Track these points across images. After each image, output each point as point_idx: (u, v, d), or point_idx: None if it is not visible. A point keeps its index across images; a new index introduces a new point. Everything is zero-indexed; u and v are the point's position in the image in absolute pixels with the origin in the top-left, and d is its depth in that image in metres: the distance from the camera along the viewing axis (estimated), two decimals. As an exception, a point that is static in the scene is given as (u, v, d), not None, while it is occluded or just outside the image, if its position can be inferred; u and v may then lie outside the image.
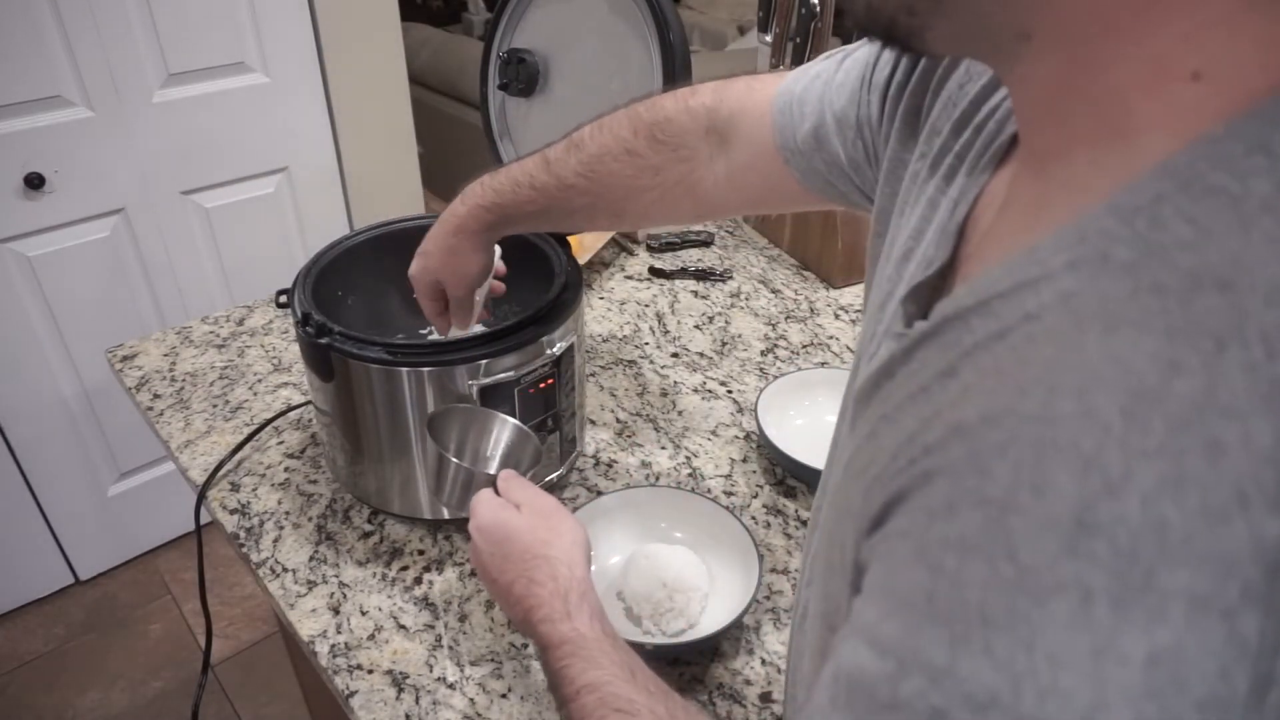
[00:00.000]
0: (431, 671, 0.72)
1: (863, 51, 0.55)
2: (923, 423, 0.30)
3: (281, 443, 0.97)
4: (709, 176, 0.67)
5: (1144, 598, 0.22)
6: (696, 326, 1.17)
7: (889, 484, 0.31)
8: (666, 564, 0.76)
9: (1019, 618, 0.23)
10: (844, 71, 0.56)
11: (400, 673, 0.72)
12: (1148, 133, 0.28)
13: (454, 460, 0.68)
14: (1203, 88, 0.27)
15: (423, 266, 0.78)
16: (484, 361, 0.75)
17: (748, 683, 0.71)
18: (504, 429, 0.75)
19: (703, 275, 1.28)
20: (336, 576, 0.80)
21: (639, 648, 0.54)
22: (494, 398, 0.76)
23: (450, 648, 0.74)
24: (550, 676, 0.54)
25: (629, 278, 1.29)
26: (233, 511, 0.88)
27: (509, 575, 0.59)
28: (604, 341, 1.14)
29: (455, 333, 0.83)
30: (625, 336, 1.15)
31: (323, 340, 0.75)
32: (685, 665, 0.73)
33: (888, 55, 0.52)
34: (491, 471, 0.67)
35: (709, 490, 0.90)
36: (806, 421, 0.96)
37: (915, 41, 0.33)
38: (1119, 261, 0.26)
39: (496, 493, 0.65)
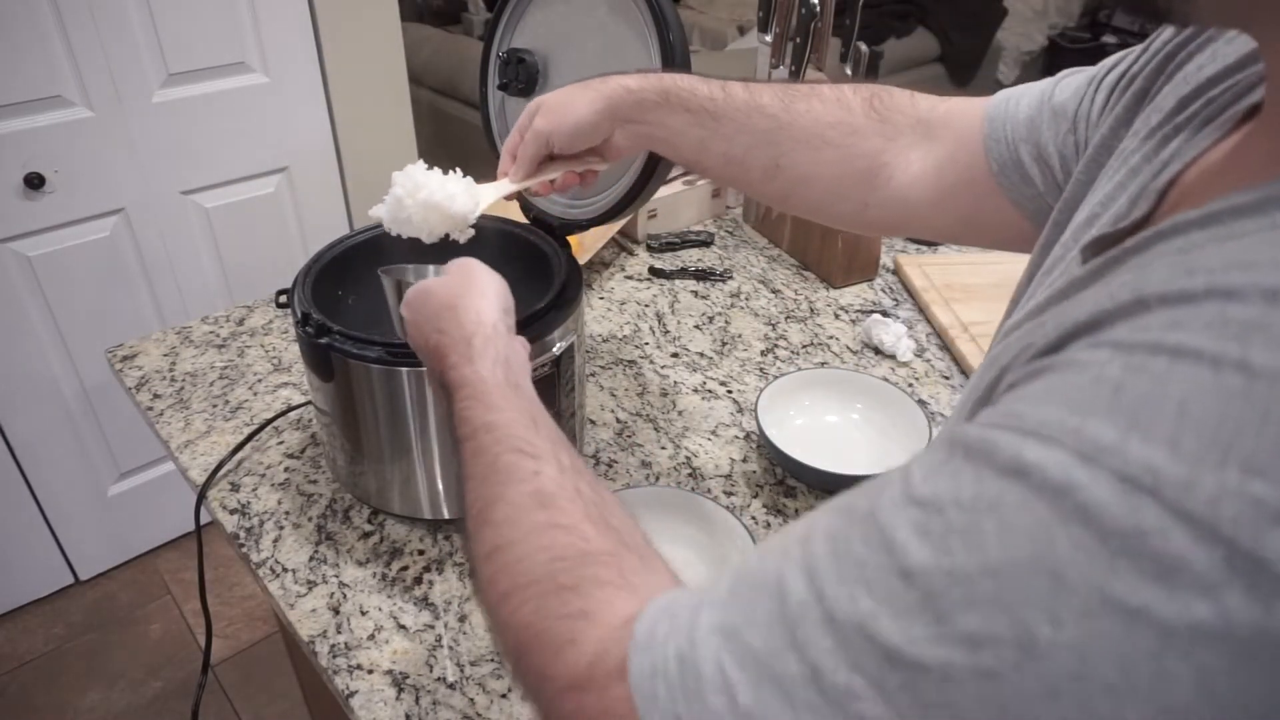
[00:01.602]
0: (431, 671, 0.72)
1: (1104, 62, 0.55)
2: (1131, 287, 0.27)
3: (281, 443, 0.97)
4: (899, 162, 0.65)
5: None
6: (696, 326, 1.17)
7: (1067, 320, 0.28)
8: (666, 564, 0.76)
9: (1230, 422, 0.21)
10: (1073, 75, 0.56)
11: (400, 673, 0.72)
12: None
13: (408, 282, 0.65)
14: None
15: (542, 96, 0.72)
16: (484, 361, 0.75)
17: (748, 683, 0.71)
18: None
19: (703, 275, 1.28)
20: (336, 576, 0.80)
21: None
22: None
23: (450, 648, 0.74)
24: (450, 422, 0.53)
25: (629, 278, 1.29)
26: (233, 511, 0.88)
27: (424, 332, 0.58)
28: (604, 341, 1.14)
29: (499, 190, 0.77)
30: (625, 336, 1.15)
31: (323, 340, 0.75)
32: (685, 665, 0.73)
33: (1127, 60, 0.51)
34: None
35: (709, 490, 0.90)
36: (806, 421, 0.96)
37: (1179, 5, 0.31)
38: None
39: None
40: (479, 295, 0.59)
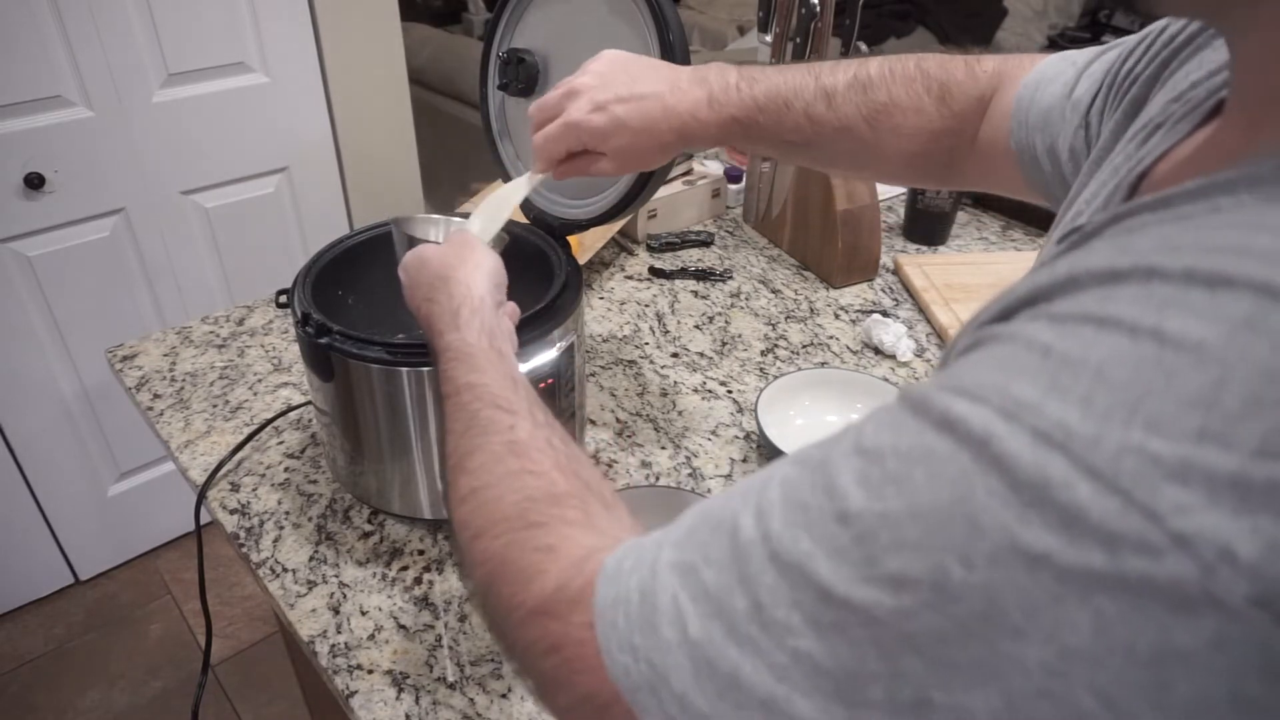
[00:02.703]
0: (431, 671, 0.72)
1: (1122, 45, 0.54)
2: (1072, 263, 0.29)
3: (281, 443, 0.97)
4: (966, 150, 0.65)
5: None
6: (696, 326, 1.17)
7: (1016, 290, 0.29)
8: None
9: (1139, 384, 0.23)
10: (1101, 61, 0.56)
11: (400, 673, 0.72)
12: None
13: (417, 238, 0.68)
14: None
15: (595, 128, 0.66)
16: (484, 361, 0.75)
17: (748, 683, 0.71)
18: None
19: (703, 275, 1.28)
20: (336, 576, 0.80)
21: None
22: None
23: (450, 648, 0.74)
24: (437, 382, 0.56)
25: (629, 278, 1.29)
26: (233, 511, 0.88)
27: (417, 299, 0.62)
28: (604, 341, 1.14)
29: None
30: (625, 336, 1.15)
31: (323, 340, 0.75)
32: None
33: (1133, 58, 0.51)
34: None
35: (709, 490, 0.90)
36: (806, 421, 0.96)
37: None
38: None
39: None
40: (472, 268, 0.61)
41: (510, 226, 0.91)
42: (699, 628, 0.31)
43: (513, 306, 0.66)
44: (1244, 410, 0.22)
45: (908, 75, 0.65)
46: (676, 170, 1.40)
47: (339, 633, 0.75)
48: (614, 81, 0.66)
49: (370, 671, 0.72)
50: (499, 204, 0.73)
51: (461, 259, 0.62)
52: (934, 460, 0.26)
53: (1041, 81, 0.59)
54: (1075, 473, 0.23)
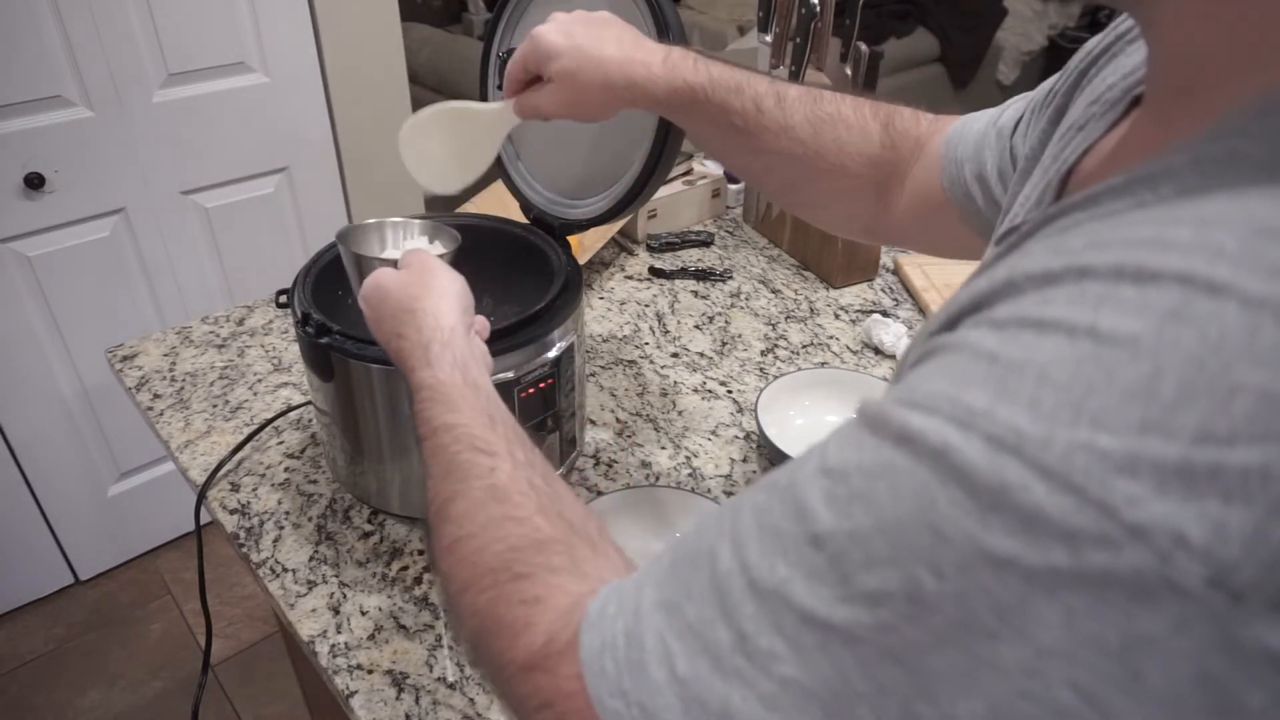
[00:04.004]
0: (431, 671, 0.72)
1: (1044, 84, 0.57)
2: (1010, 267, 0.29)
3: (281, 443, 0.97)
4: (898, 187, 0.67)
5: (1216, 384, 0.22)
6: (696, 326, 1.17)
7: (959, 299, 0.30)
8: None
9: (1081, 382, 0.23)
10: (1024, 97, 0.59)
11: (400, 673, 0.72)
12: None
13: (365, 256, 0.66)
14: None
15: (548, 43, 0.65)
16: (484, 361, 0.75)
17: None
18: (420, 229, 0.72)
19: (703, 275, 1.28)
20: (336, 576, 0.80)
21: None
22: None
23: (450, 648, 0.74)
24: (412, 421, 0.55)
25: (629, 278, 1.29)
26: (233, 511, 0.88)
27: (384, 333, 0.60)
28: (604, 341, 1.14)
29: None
30: (625, 336, 1.15)
31: (323, 340, 0.75)
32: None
33: (1054, 79, 0.53)
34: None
35: (709, 490, 0.90)
36: (806, 421, 0.96)
37: None
38: (1251, 159, 0.26)
39: None
40: (438, 297, 0.59)
41: (510, 227, 0.91)
42: (686, 665, 0.31)
43: (482, 321, 0.64)
44: (1179, 399, 0.22)
45: (858, 100, 0.68)
46: (677, 170, 1.40)
47: (339, 633, 0.75)
48: (590, 18, 0.68)
49: (370, 671, 0.72)
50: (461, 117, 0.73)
51: (426, 287, 0.59)
52: (895, 474, 0.26)
53: (969, 120, 0.63)
54: (1030, 475, 0.23)
